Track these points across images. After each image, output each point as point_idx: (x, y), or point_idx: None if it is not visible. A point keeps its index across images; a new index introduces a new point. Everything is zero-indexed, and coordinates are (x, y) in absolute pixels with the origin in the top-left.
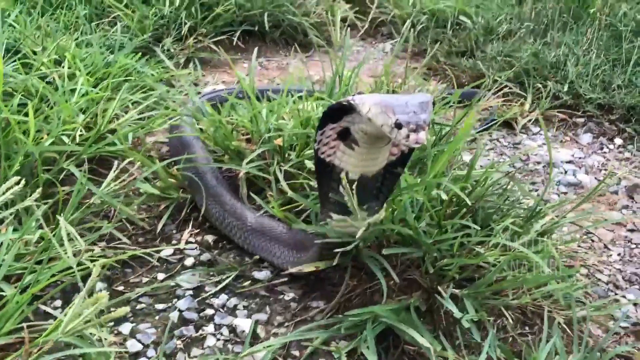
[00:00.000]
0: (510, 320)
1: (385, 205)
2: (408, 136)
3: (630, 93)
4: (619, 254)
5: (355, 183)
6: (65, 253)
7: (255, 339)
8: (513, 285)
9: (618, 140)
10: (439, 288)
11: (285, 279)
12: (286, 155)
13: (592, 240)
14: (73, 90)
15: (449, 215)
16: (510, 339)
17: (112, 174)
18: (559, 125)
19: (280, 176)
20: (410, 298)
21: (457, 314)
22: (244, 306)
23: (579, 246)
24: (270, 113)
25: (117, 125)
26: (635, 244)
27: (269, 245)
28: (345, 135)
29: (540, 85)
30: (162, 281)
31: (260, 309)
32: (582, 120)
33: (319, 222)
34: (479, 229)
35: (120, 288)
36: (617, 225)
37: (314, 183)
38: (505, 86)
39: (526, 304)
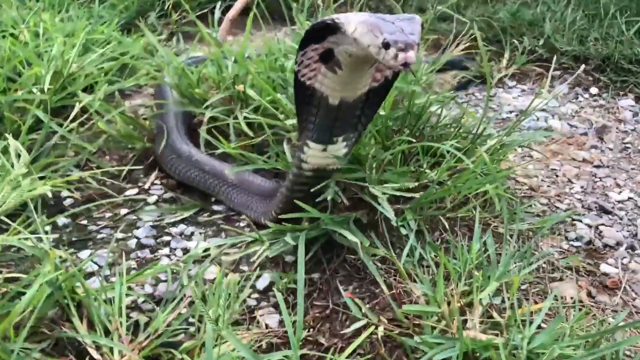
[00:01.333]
0: (450, 233)
1: (361, 135)
2: (396, 56)
3: (606, 44)
4: (581, 187)
5: (335, 109)
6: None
7: (206, 257)
8: (448, 192)
9: (594, 90)
10: (380, 202)
11: None
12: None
13: (557, 176)
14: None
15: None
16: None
17: (73, 114)
18: (535, 79)
19: (240, 118)
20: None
21: (392, 219)
22: (200, 232)
23: (542, 180)
24: (237, 64)
25: (80, 71)
26: (599, 177)
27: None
28: (327, 58)
29: (517, 42)
30: (124, 215)
31: (216, 234)
32: (558, 73)
33: (299, 155)
34: (418, 143)
35: (84, 222)
36: (584, 162)
37: (275, 122)
38: (484, 45)
39: (467, 217)
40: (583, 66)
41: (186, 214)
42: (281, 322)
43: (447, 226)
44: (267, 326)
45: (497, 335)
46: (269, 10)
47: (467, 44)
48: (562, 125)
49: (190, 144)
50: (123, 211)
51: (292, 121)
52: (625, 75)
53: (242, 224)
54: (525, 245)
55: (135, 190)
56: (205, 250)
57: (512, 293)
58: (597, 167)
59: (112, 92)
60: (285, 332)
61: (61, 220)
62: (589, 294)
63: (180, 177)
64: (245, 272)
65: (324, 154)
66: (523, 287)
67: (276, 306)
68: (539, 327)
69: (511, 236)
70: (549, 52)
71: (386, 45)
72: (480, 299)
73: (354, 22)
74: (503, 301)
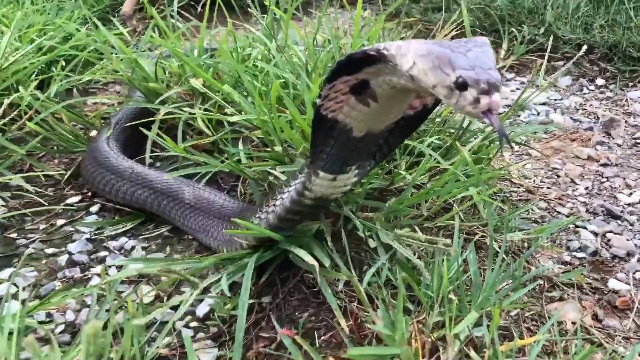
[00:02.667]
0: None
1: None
2: (477, 100)
3: (612, 32)
4: (586, 188)
5: (357, 140)
6: None
7: (143, 277)
8: (425, 197)
9: (600, 81)
10: (348, 211)
11: None
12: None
13: (558, 176)
14: None
15: None
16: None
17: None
18: (537, 71)
19: (198, 114)
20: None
21: (360, 230)
22: (142, 247)
23: (541, 181)
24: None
25: (15, 62)
26: (606, 177)
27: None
28: (360, 89)
29: (515, 31)
30: (60, 227)
31: (159, 249)
32: (561, 63)
33: (303, 176)
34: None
35: (14, 235)
36: (589, 160)
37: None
38: (481, 35)
39: (450, 226)
40: (585, 47)
41: (130, 225)
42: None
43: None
44: None
45: None
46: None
47: (457, 32)
48: (565, 119)
49: (127, 159)
50: (60, 222)
51: (241, 117)
52: (634, 64)
53: (190, 237)
54: (516, 262)
55: (78, 198)
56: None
57: (492, 328)
58: (604, 165)
59: (69, 88)
60: None
61: None
62: (595, 317)
63: (120, 199)
64: (186, 294)
65: (332, 183)
66: (514, 311)
67: (215, 338)
68: None
69: (501, 248)
70: (549, 41)
71: (462, 86)
72: (456, 333)
73: (411, 54)
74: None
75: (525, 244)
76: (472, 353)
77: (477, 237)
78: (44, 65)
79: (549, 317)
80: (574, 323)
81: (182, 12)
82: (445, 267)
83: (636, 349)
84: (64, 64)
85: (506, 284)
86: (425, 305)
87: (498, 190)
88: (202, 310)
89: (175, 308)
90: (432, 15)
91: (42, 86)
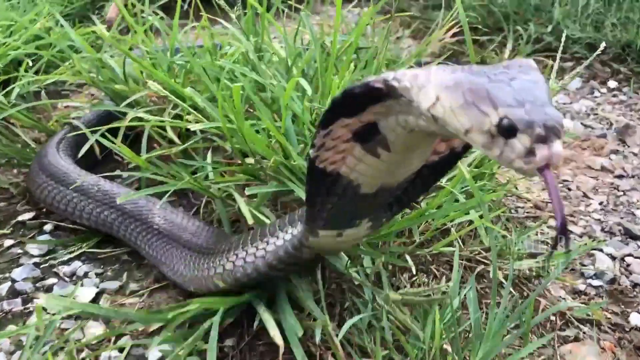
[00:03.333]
0: (414, 270)
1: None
2: (531, 151)
3: (625, 30)
4: (600, 203)
5: (368, 197)
6: None
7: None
8: (416, 222)
9: (612, 83)
10: None
11: None
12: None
13: (569, 189)
14: None
15: None
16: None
17: None
18: (542, 72)
19: (167, 122)
20: None
21: (340, 266)
22: (97, 274)
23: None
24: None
25: None
26: (622, 191)
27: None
28: (367, 135)
29: (521, 30)
30: (8, 248)
31: (116, 276)
32: (570, 64)
33: (297, 231)
34: None
35: None
36: (603, 171)
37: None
38: (484, 34)
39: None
40: (602, 46)
41: (85, 247)
42: None
43: (414, 269)
44: None
45: None
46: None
47: (456, 30)
48: (575, 125)
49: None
50: (8, 242)
51: (204, 125)
52: None
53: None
54: (522, 303)
55: (32, 214)
56: (95, 298)
57: None
58: (619, 177)
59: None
60: None
61: None
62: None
63: (75, 217)
64: (138, 336)
65: (337, 239)
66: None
67: None
68: None
69: (507, 280)
70: (558, 40)
71: (508, 131)
72: None
73: (432, 86)
74: None
75: (534, 271)
76: None
77: (479, 268)
78: (6, 65)
79: None
80: None
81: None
82: (437, 315)
83: None
84: (30, 63)
85: (513, 325)
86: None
87: (499, 212)
88: (154, 355)
89: (123, 350)
90: (432, 13)
91: (7, 87)
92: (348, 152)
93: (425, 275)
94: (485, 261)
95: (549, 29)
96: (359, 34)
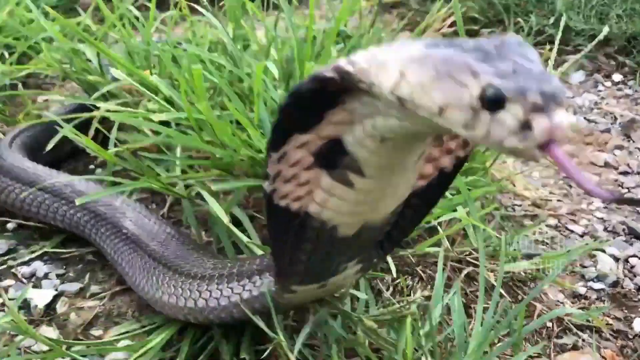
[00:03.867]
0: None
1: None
2: (526, 124)
3: (631, 22)
4: (604, 201)
5: (349, 240)
6: None
7: (49, 314)
8: None
9: (617, 77)
10: None
11: None
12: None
13: (570, 186)
14: None
15: None
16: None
17: None
18: (544, 65)
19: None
20: None
21: None
22: (57, 275)
23: (551, 193)
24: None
25: None
26: (627, 188)
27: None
28: (331, 158)
29: (522, 22)
30: None
31: (78, 277)
32: (573, 57)
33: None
34: None
35: None
36: (606, 167)
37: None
38: (485, 26)
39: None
40: (605, 30)
41: (49, 246)
42: None
43: (394, 271)
44: None
45: None
46: None
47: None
48: (577, 120)
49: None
50: None
51: (168, 115)
52: None
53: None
54: (515, 308)
55: None
56: (53, 301)
57: None
58: (624, 173)
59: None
60: None
61: None
62: None
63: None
64: (96, 340)
65: (319, 290)
66: None
67: None
68: None
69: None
70: (561, 33)
71: (495, 102)
72: None
73: (395, 62)
74: None
75: (531, 274)
76: None
77: (468, 269)
78: None
79: None
80: None
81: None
82: (408, 329)
83: None
84: (6, 55)
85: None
86: None
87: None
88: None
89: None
90: (431, 5)
91: None
92: (314, 184)
93: (410, 277)
94: (476, 262)
95: (551, 20)
96: (340, 20)
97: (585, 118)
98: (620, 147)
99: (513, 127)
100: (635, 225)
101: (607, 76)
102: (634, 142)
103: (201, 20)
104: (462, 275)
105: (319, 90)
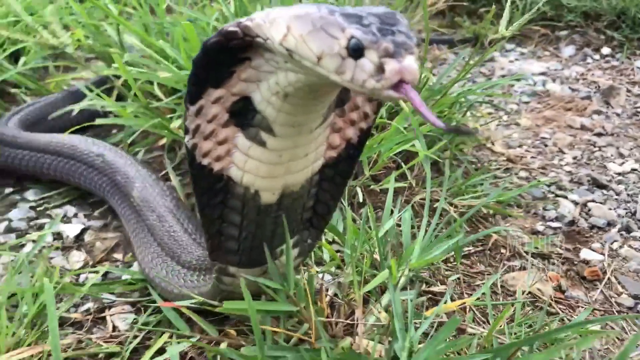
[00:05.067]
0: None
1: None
2: (380, 67)
3: None
4: (574, 157)
5: (274, 209)
6: None
7: (79, 243)
8: (365, 153)
9: (605, 50)
10: None
11: None
12: None
13: (545, 145)
14: None
15: None
16: None
17: None
18: (538, 41)
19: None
20: None
21: None
22: (85, 215)
23: (526, 151)
24: None
25: None
26: (598, 147)
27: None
28: (243, 114)
29: (517, 1)
30: (8, 195)
31: (102, 216)
32: (565, 33)
33: (204, 278)
34: None
35: None
36: (582, 130)
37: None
38: (482, 6)
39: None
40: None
41: (75, 195)
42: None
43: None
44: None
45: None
46: None
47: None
48: (562, 89)
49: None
50: (8, 190)
51: (171, 75)
52: None
53: None
54: (456, 222)
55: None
56: (81, 234)
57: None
58: (598, 135)
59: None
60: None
61: None
62: (558, 288)
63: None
64: (117, 264)
65: (261, 278)
66: (454, 276)
67: (134, 303)
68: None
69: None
70: (553, 10)
71: (356, 50)
72: (365, 292)
73: (283, 19)
74: (420, 295)
75: (488, 211)
76: (383, 315)
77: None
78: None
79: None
80: (524, 293)
81: None
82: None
83: (583, 314)
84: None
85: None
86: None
87: (474, 159)
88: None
89: (105, 275)
90: None
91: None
92: (231, 144)
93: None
94: (439, 197)
95: None
96: None
97: (569, 87)
98: (598, 112)
99: (370, 70)
100: (598, 176)
101: (596, 50)
102: (612, 108)
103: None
104: (414, 200)
105: (225, 44)
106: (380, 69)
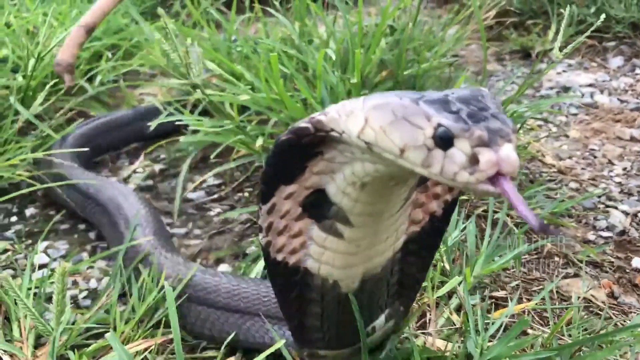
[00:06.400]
0: None
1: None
2: (474, 158)
3: None
4: (624, 168)
5: (355, 295)
6: None
7: None
8: None
9: None
10: None
11: (216, 196)
12: None
13: (595, 157)
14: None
15: None
16: None
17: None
18: (585, 52)
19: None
20: None
21: None
22: (167, 223)
23: (576, 162)
24: None
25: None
26: None
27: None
28: (317, 208)
29: (564, 12)
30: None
31: (182, 225)
32: (612, 44)
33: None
34: None
35: (52, 212)
36: (631, 141)
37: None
38: (530, 18)
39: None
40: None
41: (157, 204)
42: None
43: None
44: None
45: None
46: None
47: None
48: (610, 100)
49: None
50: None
51: (248, 96)
52: None
53: (212, 213)
54: (516, 233)
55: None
56: None
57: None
58: None
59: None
60: None
61: (30, 210)
62: (611, 294)
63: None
64: None
65: (358, 352)
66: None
67: None
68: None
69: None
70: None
71: (444, 139)
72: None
73: (360, 111)
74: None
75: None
76: (455, 317)
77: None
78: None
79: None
80: (579, 298)
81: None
82: None
83: (636, 319)
84: (109, 56)
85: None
86: None
87: (526, 171)
88: None
89: None
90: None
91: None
92: (306, 236)
93: None
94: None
95: (592, 10)
96: (385, 15)
97: (618, 99)
98: None
99: (462, 162)
100: None
101: None
102: None
103: (271, 21)
104: (479, 210)
105: (297, 141)
106: (473, 160)
